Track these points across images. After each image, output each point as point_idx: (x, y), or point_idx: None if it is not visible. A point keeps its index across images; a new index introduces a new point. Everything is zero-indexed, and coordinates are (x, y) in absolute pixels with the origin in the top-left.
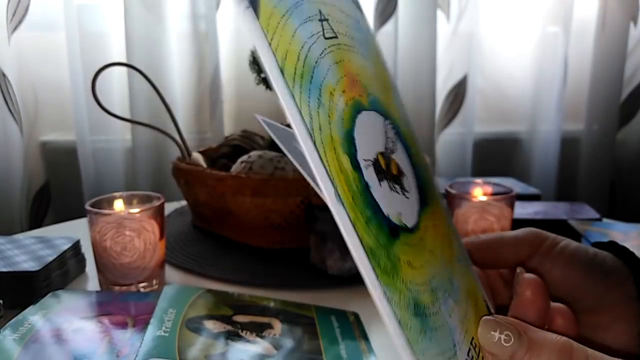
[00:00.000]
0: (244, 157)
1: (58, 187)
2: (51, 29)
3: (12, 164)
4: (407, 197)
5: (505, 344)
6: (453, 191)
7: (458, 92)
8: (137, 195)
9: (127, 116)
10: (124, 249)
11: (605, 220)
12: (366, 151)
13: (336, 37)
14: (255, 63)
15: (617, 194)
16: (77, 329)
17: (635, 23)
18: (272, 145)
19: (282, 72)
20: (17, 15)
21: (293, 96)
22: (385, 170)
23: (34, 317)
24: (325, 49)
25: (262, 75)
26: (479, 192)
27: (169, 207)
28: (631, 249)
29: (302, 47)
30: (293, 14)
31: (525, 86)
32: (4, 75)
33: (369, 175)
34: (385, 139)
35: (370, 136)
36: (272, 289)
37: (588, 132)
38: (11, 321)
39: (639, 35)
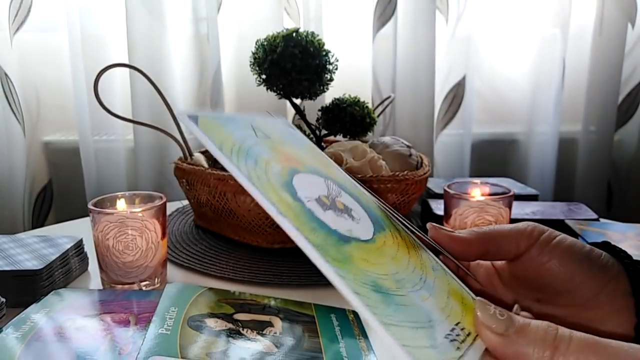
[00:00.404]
0: None
1: (60, 186)
2: (53, 31)
3: (15, 164)
4: (358, 222)
5: (500, 317)
6: (451, 191)
7: (456, 94)
8: (139, 194)
9: (129, 117)
10: (126, 247)
11: (602, 220)
12: (307, 193)
13: (268, 137)
14: (255, 65)
15: (614, 194)
16: (79, 327)
17: (633, 25)
18: None
19: (221, 149)
20: (20, 17)
21: (230, 159)
22: (330, 205)
23: (37, 315)
24: (257, 142)
25: (263, 77)
26: (477, 193)
27: (171, 207)
28: (628, 249)
29: (236, 140)
30: (227, 124)
31: (523, 88)
32: (6, 75)
33: (312, 205)
34: (327, 189)
35: (310, 186)
36: (273, 288)
37: (585, 133)
38: (13, 319)
39: (636, 37)
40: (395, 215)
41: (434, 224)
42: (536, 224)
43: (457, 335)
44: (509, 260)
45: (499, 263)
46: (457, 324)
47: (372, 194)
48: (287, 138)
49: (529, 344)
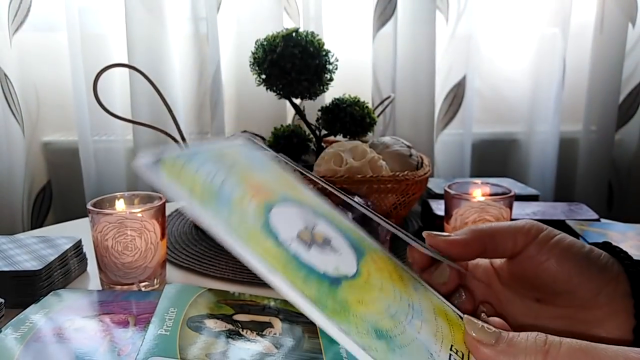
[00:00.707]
0: None
1: (60, 187)
2: (53, 30)
3: (14, 164)
4: (340, 255)
5: (488, 330)
6: (452, 191)
7: (457, 94)
8: (138, 195)
9: (129, 117)
10: (126, 248)
11: (603, 220)
12: (287, 233)
13: (233, 166)
14: (255, 64)
15: (615, 194)
16: (78, 327)
17: (634, 24)
18: (273, 146)
19: (191, 197)
20: (19, 17)
21: (209, 212)
22: (311, 241)
23: (36, 316)
24: (225, 177)
25: (263, 77)
26: (478, 193)
27: (170, 207)
28: (629, 249)
29: (205, 180)
30: (191, 161)
31: (524, 87)
32: (5, 76)
33: (295, 247)
34: (304, 220)
35: (288, 222)
36: (272, 289)
37: (586, 132)
38: (12, 320)
39: (637, 36)
40: (377, 218)
41: (429, 232)
42: (535, 221)
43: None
44: (507, 259)
45: (497, 263)
46: (451, 348)
47: (337, 204)
48: (252, 162)
49: (519, 352)
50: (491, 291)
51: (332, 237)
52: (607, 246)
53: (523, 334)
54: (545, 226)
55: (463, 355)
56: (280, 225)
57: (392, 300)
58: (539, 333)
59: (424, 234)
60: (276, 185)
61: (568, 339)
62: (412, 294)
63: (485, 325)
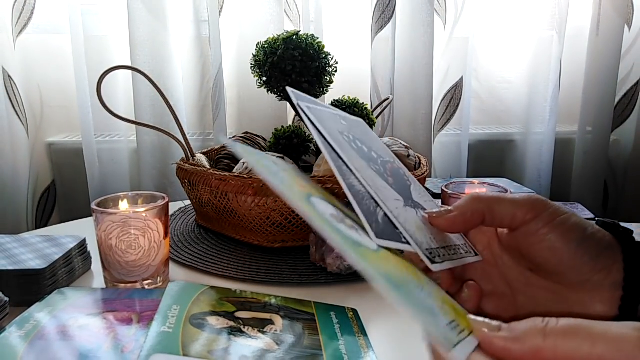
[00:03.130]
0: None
1: (64, 187)
2: (56, 33)
3: (19, 164)
4: (361, 235)
5: (492, 323)
6: (449, 191)
7: (454, 95)
8: (142, 194)
9: (132, 118)
10: (129, 247)
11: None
12: (322, 209)
13: (277, 164)
14: (256, 67)
15: (611, 194)
16: (82, 325)
17: (629, 26)
18: (273, 147)
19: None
20: (23, 19)
21: (275, 180)
22: (340, 221)
23: (40, 314)
24: (278, 169)
25: (264, 79)
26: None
27: (173, 207)
28: None
29: (266, 163)
30: (254, 153)
31: (520, 89)
32: (10, 77)
33: (335, 224)
34: (335, 213)
35: (323, 208)
36: (274, 286)
37: (582, 133)
38: (17, 318)
39: (632, 38)
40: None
41: (429, 212)
42: (539, 198)
43: (456, 326)
44: (510, 230)
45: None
46: (452, 321)
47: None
48: (294, 173)
49: (519, 335)
50: (490, 252)
51: (359, 230)
52: (615, 228)
53: (523, 321)
54: (550, 204)
55: (464, 329)
56: (317, 205)
57: (405, 274)
58: (537, 318)
59: (426, 215)
60: (313, 191)
61: (565, 319)
62: (423, 281)
63: (487, 320)
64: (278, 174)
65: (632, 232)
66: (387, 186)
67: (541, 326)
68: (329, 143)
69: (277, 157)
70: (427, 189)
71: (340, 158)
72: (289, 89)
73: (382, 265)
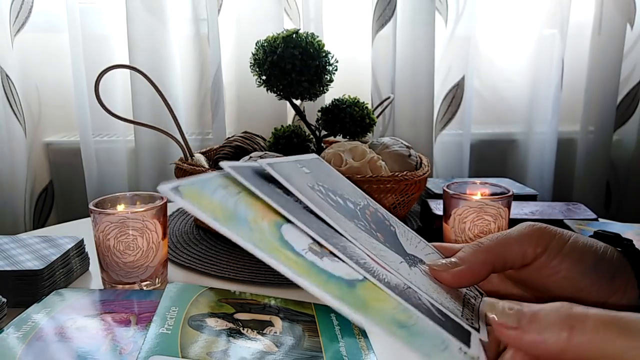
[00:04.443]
0: (245, 158)
1: (62, 187)
2: (54, 31)
3: (16, 164)
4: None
5: (509, 311)
6: (450, 191)
7: (455, 94)
8: (140, 195)
9: (130, 117)
10: (127, 248)
11: (601, 220)
12: (300, 245)
13: (239, 193)
14: (256, 66)
15: (613, 194)
16: (80, 326)
17: (632, 25)
18: (273, 146)
19: (216, 219)
20: (20, 17)
21: (229, 228)
22: (321, 252)
23: (38, 315)
24: (235, 200)
25: (263, 78)
26: (476, 193)
27: (172, 207)
28: None
29: (220, 203)
30: (203, 188)
31: (522, 88)
32: (7, 76)
33: (310, 256)
34: (309, 236)
35: (297, 237)
36: (273, 287)
37: (584, 133)
38: (15, 319)
39: (635, 37)
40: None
41: (431, 265)
42: (542, 226)
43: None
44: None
45: None
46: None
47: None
48: (250, 185)
49: (543, 330)
50: (497, 291)
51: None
52: (618, 240)
53: (546, 309)
54: (552, 229)
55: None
56: (293, 240)
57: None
58: (564, 303)
59: (429, 268)
60: (274, 205)
61: (594, 311)
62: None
63: (507, 305)
64: (238, 216)
65: (631, 242)
66: (386, 248)
67: (568, 322)
68: (316, 215)
69: (229, 167)
70: (428, 189)
71: (334, 228)
72: (227, 168)
73: (381, 308)
